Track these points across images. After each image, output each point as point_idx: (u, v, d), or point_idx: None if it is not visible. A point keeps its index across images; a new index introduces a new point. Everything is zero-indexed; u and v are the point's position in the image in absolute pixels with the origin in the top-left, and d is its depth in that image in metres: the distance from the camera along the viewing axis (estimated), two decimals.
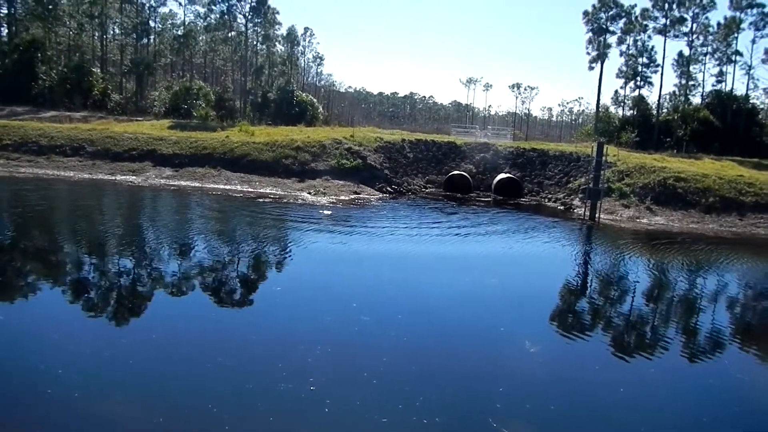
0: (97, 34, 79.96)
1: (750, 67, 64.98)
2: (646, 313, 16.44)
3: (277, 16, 79.90)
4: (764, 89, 71.22)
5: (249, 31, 79.22)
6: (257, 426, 8.83)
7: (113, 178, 34.91)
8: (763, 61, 65.71)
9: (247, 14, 76.68)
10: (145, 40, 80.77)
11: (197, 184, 34.32)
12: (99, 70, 71.13)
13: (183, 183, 34.57)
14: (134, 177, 35.26)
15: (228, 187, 34.15)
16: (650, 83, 68.09)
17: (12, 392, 9.43)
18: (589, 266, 22.44)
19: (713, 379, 12.11)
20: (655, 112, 67.29)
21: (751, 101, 66.20)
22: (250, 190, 33.81)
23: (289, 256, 20.38)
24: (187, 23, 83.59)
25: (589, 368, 12.26)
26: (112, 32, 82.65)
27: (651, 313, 16.53)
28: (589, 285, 19.87)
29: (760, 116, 67.87)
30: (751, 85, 67.12)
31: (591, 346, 13.46)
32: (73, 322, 12.78)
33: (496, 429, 9.01)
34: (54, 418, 8.71)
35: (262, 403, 9.48)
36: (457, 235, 25.60)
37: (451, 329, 13.81)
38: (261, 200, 30.80)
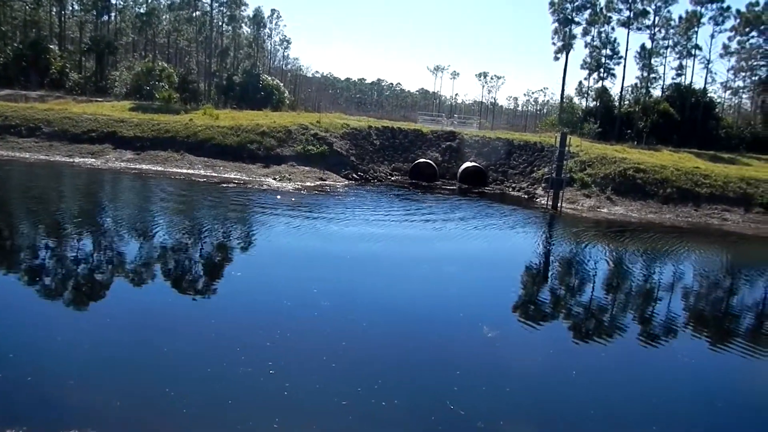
0: (54, 9, 77.29)
1: (708, 62, 66.78)
2: (600, 300, 16.83)
3: None
4: (722, 83, 73.07)
5: (214, 11, 77.74)
6: (216, 409, 8.79)
7: (71, 160, 34.01)
8: (721, 56, 67.71)
9: None
10: (105, 17, 78.42)
11: (159, 168, 33.68)
12: (57, 48, 68.93)
13: (144, 167, 33.88)
14: (93, 159, 34.41)
15: (191, 171, 33.60)
16: (613, 75, 69.44)
17: None
18: (547, 255, 22.86)
19: (661, 361, 12.51)
20: (617, 103, 68.56)
21: (708, 95, 68.02)
22: (213, 175, 33.34)
23: (251, 242, 20.24)
24: (150, 1, 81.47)
25: (543, 352, 12.55)
26: (70, 8, 79.98)
27: (604, 300, 16.94)
28: (546, 273, 20.27)
29: (717, 110, 69.82)
30: (709, 79, 68.84)
31: (546, 331, 13.79)
32: (25, 305, 12.50)
33: (454, 411, 9.17)
34: (5, 403, 8.53)
35: (220, 386, 9.44)
36: (419, 222, 25.79)
37: (409, 315, 13.95)
38: (225, 185, 30.43)
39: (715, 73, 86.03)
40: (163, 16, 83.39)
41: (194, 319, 12.59)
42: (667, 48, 67.98)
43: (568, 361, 12.14)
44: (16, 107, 40.11)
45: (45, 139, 36.41)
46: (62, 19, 77.95)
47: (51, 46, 66.69)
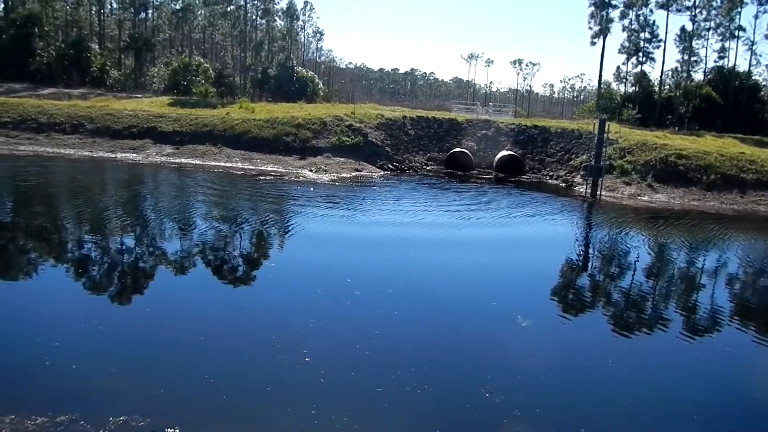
0: (94, 8, 79.11)
1: (753, 43, 64.54)
2: (639, 289, 16.55)
3: None
4: (767, 65, 70.58)
5: (248, 5, 78.38)
6: (254, 395, 9.00)
7: (114, 155, 34.84)
8: (766, 37, 65.33)
9: None
10: (143, 15, 79.99)
11: (198, 162, 34.27)
12: (97, 46, 70.51)
13: (184, 160, 34.52)
14: (135, 154, 35.19)
15: (229, 164, 34.10)
16: (652, 59, 67.59)
17: (12, 363, 9.57)
18: (586, 244, 22.55)
19: (702, 352, 12.29)
20: (657, 88, 66.82)
21: (753, 78, 65.74)
22: (251, 167, 33.77)
23: (285, 233, 20.44)
24: None
25: (579, 341, 12.47)
26: (109, 6, 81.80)
27: (643, 289, 16.64)
28: (583, 262, 20.01)
29: (762, 93, 67.40)
30: (754, 62, 66.52)
31: (581, 320, 13.68)
32: (67, 295, 12.95)
33: (489, 399, 9.16)
34: (56, 390, 8.85)
35: (258, 373, 9.67)
36: (455, 212, 25.67)
37: (442, 304, 13.94)
38: (262, 178, 30.79)
39: (760, 55, 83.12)
40: (199, 12, 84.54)
41: (229, 308, 12.87)
42: (708, 30, 65.96)
43: (604, 350, 12.02)
44: (60, 105, 41.20)
45: (88, 136, 37.35)
46: (101, 17, 79.74)
47: (91, 45, 68.23)
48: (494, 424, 8.75)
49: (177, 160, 34.47)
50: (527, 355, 11.21)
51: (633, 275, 17.96)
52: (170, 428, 7.74)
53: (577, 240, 23.06)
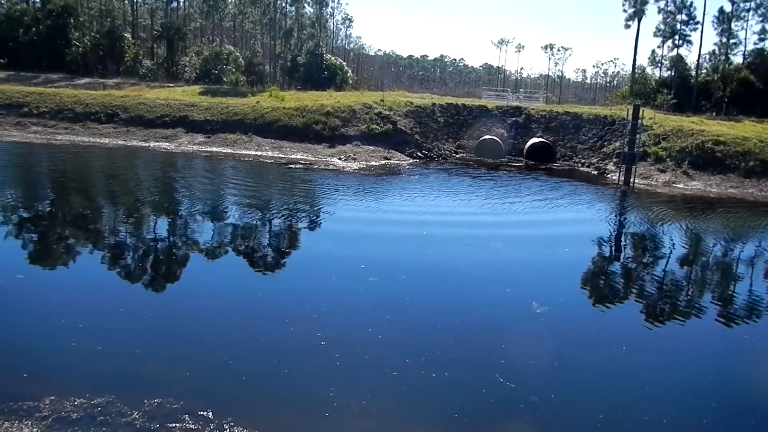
0: None
1: None
2: (656, 277, 16.21)
3: None
4: None
5: None
6: (274, 378, 9.15)
7: (147, 144, 35.43)
8: None
9: None
10: (174, 4, 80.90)
11: (229, 151, 34.65)
12: (130, 36, 71.57)
13: (215, 149, 34.94)
14: (167, 144, 35.73)
15: (259, 153, 34.40)
16: (689, 42, 65.86)
17: (42, 344, 9.80)
18: (617, 231, 22.16)
19: (720, 339, 12.12)
20: (693, 72, 65.09)
21: None
22: (280, 156, 34.00)
23: (306, 219, 20.56)
24: None
25: (593, 328, 12.37)
26: None
27: (662, 276, 16.34)
28: (611, 250, 19.72)
29: None
30: None
31: (596, 307, 13.56)
32: (87, 279, 13.29)
33: (504, 384, 9.15)
34: (85, 371, 9.11)
35: (275, 357, 9.81)
36: (481, 199, 25.51)
37: (455, 290, 13.87)
38: (292, 166, 31.00)
39: None
40: (229, 0, 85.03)
41: (245, 292, 13.07)
42: (748, 11, 63.97)
43: (619, 337, 11.91)
44: (95, 95, 42.01)
45: (122, 125, 38.03)
46: (134, 7, 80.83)
47: (125, 35, 69.26)
48: (510, 409, 8.74)
49: (208, 149, 34.90)
50: (540, 341, 11.11)
51: (665, 264, 17.62)
52: (203, 411, 7.91)
53: (608, 226, 22.71)
